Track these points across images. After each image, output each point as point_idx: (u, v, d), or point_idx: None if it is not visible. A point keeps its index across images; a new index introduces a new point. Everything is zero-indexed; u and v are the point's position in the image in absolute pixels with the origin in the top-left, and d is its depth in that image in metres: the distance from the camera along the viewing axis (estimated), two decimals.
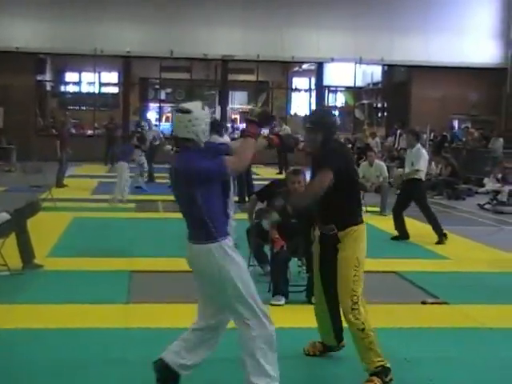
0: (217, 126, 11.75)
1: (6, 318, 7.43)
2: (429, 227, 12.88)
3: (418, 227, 14.51)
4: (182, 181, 5.12)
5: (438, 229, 12.71)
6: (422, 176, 12.77)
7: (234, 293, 5.18)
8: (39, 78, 31.71)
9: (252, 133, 5.17)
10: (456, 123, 29.88)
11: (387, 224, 14.49)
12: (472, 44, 30.18)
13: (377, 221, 14.91)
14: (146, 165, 20.53)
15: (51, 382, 5.72)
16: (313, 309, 6.45)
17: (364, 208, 16.02)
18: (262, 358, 5.16)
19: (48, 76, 33.61)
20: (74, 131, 30.35)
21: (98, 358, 6.25)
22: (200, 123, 5.13)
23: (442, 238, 12.57)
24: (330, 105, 35.68)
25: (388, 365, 5.70)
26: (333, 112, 6.53)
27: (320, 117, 6.17)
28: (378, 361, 5.71)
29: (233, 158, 5.09)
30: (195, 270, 5.36)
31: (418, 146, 12.86)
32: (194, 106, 5.21)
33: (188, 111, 5.12)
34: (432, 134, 27.72)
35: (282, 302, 8.16)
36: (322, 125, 5.92)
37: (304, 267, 8.65)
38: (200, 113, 5.16)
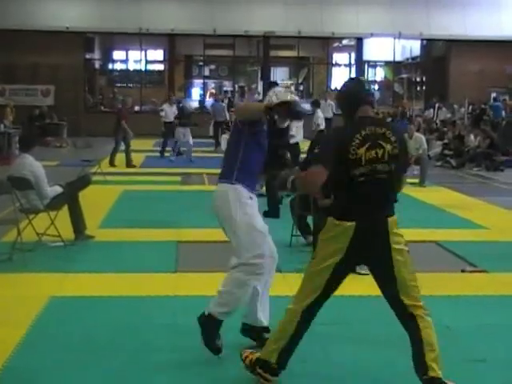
0: None
1: (60, 287, 7.55)
2: (465, 197, 12.70)
3: (455, 197, 14.43)
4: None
5: None
6: None
7: (234, 239, 5.50)
8: (88, 56, 31.92)
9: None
10: (493, 96, 29.46)
11: (427, 195, 14.42)
12: (509, 17, 29.67)
13: (416, 192, 14.82)
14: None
15: (105, 346, 5.80)
16: (355, 278, 6.40)
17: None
18: (228, 289, 5.52)
19: (96, 54, 33.80)
20: (136, 109, 29.98)
21: (148, 323, 6.33)
22: None
23: None
24: (370, 79, 35.49)
25: None
26: (356, 81, 5.40)
27: (338, 91, 5.30)
28: None
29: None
30: (213, 205, 5.73)
31: None
32: None
33: None
34: (470, 107, 27.43)
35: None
36: (337, 100, 5.37)
37: None
38: None
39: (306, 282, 4.97)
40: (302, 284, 5.02)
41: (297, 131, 14.40)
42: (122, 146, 18.82)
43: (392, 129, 4.91)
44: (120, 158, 18.81)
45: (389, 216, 4.82)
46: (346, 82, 5.13)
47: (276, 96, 5.56)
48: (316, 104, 20.85)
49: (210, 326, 5.48)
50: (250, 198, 5.55)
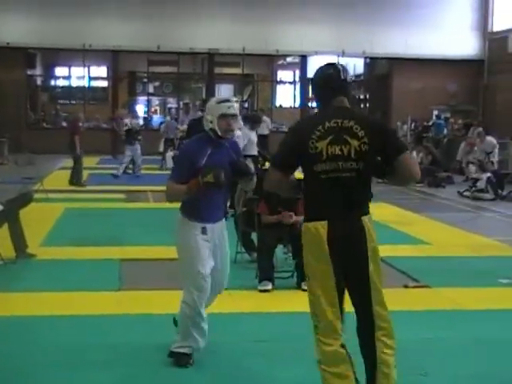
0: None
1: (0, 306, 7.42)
2: (408, 213, 12.88)
3: (398, 213, 14.60)
4: None
5: None
6: None
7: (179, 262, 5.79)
8: (30, 72, 31.54)
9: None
10: (436, 113, 29.95)
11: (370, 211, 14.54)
12: (450, 37, 30.20)
13: None
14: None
15: (47, 368, 5.72)
16: (298, 294, 6.43)
17: None
18: (180, 322, 5.70)
19: (38, 70, 33.40)
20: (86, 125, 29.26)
21: (91, 343, 6.25)
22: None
23: None
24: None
25: None
26: (332, 68, 5.16)
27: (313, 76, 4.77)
28: None
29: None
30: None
31: None
32: None
33: None
34: (413, 125, 27.85)
35: (269, 287, 8.19)
36: (311, 86, 4.82)
37: (290, 254, 8.67)
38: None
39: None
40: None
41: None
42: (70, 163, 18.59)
43: (363, 121, 4.45)
44: (62, 172, 18.57)
45: (364, 215, 4.55)
46: (321, 67, 4.65)
47: (209, 114, 5.56)
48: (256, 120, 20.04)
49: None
50: (202, 230, 5.59)
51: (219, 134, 5.51)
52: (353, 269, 4.53)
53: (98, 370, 5.64)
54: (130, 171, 21.14)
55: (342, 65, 4.64)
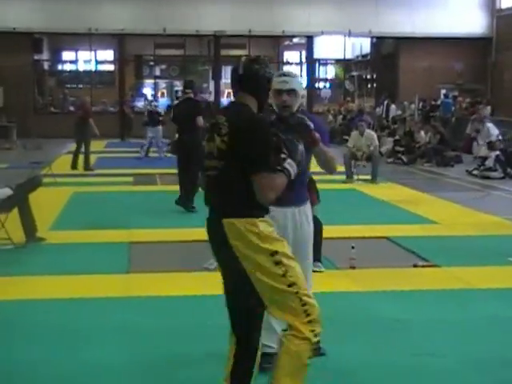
0: None
1: (10, 290, 7.45)
2: (416, 193, 12.83)
3: (406, 193, 14.58)
4: None
5: None
6: None
7: None
8: (36, 57, 31.48)
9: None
10: (443, 92, 29.84)
11: (378, 191, 14.56)
12: (457, 15, 29.98)
13: (368, 188, 14.96)
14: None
15: (54, 351, 5.74)
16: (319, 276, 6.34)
17: (356, 176, 16.14)
18: None
19: (45, 55, 33.36)
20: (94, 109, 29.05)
21: (100, 326, 6.27)
22: None
23: None
24: (321, 77, 35.75)
25: None
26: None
27: None
28: None
29: None
30: None
31: None
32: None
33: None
34: (421, 104, 27.73)
35: (322, 268, 8.04)
36: None
37: None
38: None
39: None
40: None
41: None
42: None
43: (233, 118, 4.17)
44: (69, 156, 18.57)
45: (226, 217, 4.12)
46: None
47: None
48: None
49: None
50: None
51: (276, 111, 5.11)
52: (223, 271, 4.33)
53: (106, 353, 5.65)
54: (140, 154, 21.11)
55: (251, 59, 4.37)
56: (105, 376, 5.22)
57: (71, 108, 29.59)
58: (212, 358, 5.28)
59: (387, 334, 6.05)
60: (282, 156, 4.20)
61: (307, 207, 5.22)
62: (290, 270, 4.08)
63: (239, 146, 4.09)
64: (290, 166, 4.18)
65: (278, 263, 4.06)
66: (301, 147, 4.35)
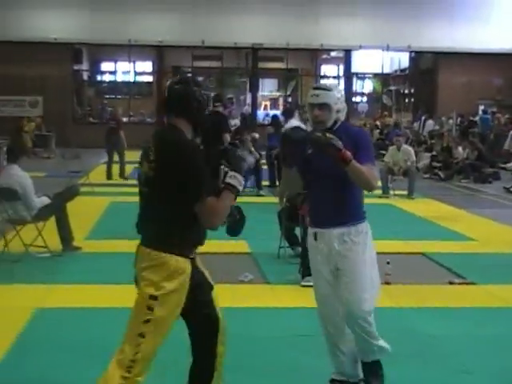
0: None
1: (46, 298, 7.53)
2: (453, 209, 12.74)
3: (443, 209, 14.47)
4: None
5: None
6: None
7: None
8: (76, 67, 31.88)
9: None
10: (481, 108, 29.61)
11: (415, 206, 14.47)
12: (496, 30, 29.83)
13: (404, 204, 14.87)
14: None
15: (90, 357, 5.77)
16: None
17: (392, 191, 16.06)
18: None
19: (84, 66, 33.71)
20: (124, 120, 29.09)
21: None
22: None
23: None
24: (358, 91, 35.66)
25: None
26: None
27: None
28: None
29: None
30: None
31: None
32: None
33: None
34: (459, 119, 27.55)
35: (312, 282, 8.12)
36: None
37: None
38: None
39: None
40: None
41: None
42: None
43: (160, 143, 4.01)
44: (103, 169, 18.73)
45: (145, 245, 4.10)
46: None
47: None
48: (289, 113, 16.40)
49: None
50: None
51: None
52: None
53: None
54: None
55: (175, 80, 4.16)
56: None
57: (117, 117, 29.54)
58: (245, 367, 5.25)
59: (422, 350, 6.00)
60: (224, 169, 3.99)
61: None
62: (153, 326, 3.95)
63: (165, 172, 3.91)
64: (233, 178, 3.95)
65: (149, 309, 3.96)
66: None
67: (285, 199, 9.28)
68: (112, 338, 6.20)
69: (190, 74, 30.71)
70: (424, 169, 21.33)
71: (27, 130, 26.23)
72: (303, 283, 8.10)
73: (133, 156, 23.00)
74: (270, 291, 7.94)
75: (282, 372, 5.59)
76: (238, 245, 9.95)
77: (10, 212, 9.30)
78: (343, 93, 5.14)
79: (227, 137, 11.72)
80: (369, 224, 4.87)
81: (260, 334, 6.37)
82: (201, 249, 5.53)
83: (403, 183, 16.23)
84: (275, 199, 11.66)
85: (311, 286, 7.99)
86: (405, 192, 15.98)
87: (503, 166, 21.31)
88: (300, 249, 8.84)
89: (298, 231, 9.15)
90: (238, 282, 8.13)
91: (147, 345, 3.97)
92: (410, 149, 17.52)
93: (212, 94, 7.07)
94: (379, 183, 15.31)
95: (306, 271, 8.25)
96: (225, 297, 7.57)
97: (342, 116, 4.87)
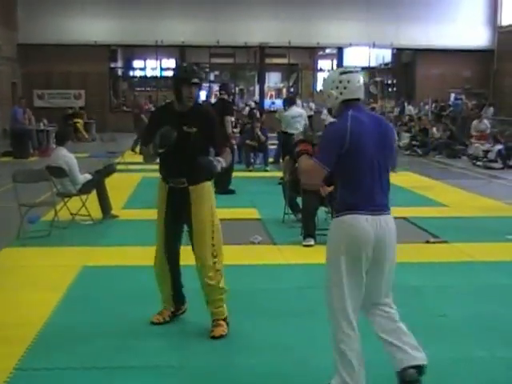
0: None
1: (90, 257, 7.56)
2: (429, 180, 12.68)
3: (421, 180, 14.42)
4: (390, 142, 4.17)
5: None
6: None
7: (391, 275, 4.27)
8: (112, 65, 31.73)
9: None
10: (454, 95, 29.45)
11: (398, 179, 14.40)
12: (465, 30, 29.61)
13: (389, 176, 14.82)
14: None
15: (129, 308, 5.82)
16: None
17: None
18: None
19: (119, 63, 33.63)
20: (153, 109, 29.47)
21: None
22: None
23: None
24: None
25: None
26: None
27: None
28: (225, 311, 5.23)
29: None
30: (388, 238, 4.13)
31: None
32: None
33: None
34: (433, 105, 27.42)
35: (312, 242, 8.17)
36: None
37: (330, 214, 8.63)
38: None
39: (218, 241, 5.26)
40: (214, 247, 5.25)
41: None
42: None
43: None
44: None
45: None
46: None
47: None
48: (290, 101, 15.48)
49: None
50: None
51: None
52: None
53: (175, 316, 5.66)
54: None
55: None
56: (182, 338, 5.24)
57: (141, 105, 29.66)
58: (257, 313, 5.25)
59: (405, 298, 5.98)
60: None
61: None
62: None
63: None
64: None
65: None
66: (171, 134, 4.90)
67: (288, 173, 9.27)
68: (145, 288, 6.26)
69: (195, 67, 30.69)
70: (405, 147, 21.22)
71: (79, 120, 26.27)
72: (304, 243, 8.12)
73: None
74: (277, 251, 7.95)
75: (287, 315, 5.61)
76: (250, 212, 9.95)
77: (59, 187, 9.36)
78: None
79: (229, 119, 11.62)
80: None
81: (268, 286, 6.38)
82: (219, 215, 5.50)
83: None
84: (279, 173, 11.64)
85: (311, 246, 8.07)
86: None
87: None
88: (301, 215, 8.85)
89: (299, 200, 9.14)
90: (250, 243, 8.13)
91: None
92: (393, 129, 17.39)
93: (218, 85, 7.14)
94: None
95: (306, 233, 8.27)
96: (239, 255, 7.65)
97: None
